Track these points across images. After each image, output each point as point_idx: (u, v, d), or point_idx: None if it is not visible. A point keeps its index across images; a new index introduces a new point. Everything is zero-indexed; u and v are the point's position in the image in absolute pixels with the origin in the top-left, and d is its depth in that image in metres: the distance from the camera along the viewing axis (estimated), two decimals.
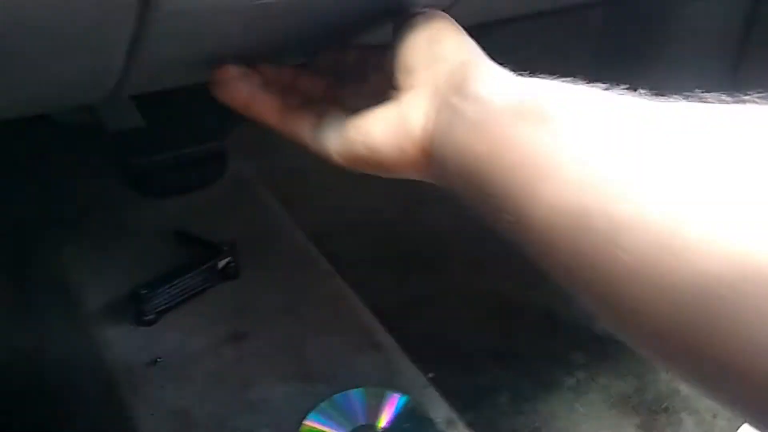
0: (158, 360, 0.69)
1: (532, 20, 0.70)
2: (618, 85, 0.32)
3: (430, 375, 0.70)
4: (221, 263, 0.76)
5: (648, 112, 0.29)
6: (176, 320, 0.73)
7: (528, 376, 0.97)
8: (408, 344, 0.73)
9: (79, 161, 0.85)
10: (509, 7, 0.62)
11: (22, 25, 0.34)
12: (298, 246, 0.85)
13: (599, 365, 0.99)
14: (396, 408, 0.66)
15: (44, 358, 0.75)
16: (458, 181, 0.35)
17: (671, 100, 0.29)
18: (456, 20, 0.40)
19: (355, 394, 0.66)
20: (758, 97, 0.26)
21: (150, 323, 0.72)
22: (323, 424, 0.64)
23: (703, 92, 0.29)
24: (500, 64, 0.37)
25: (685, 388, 0.94)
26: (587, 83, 0.32)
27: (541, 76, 0.35)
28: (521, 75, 0.36)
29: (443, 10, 0.41)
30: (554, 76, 0.34)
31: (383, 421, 0.65)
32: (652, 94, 0.30)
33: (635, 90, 0.31)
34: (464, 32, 0.40)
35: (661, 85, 0.31)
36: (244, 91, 0.43)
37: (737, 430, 0.62)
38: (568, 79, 0.34)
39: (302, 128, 0.43)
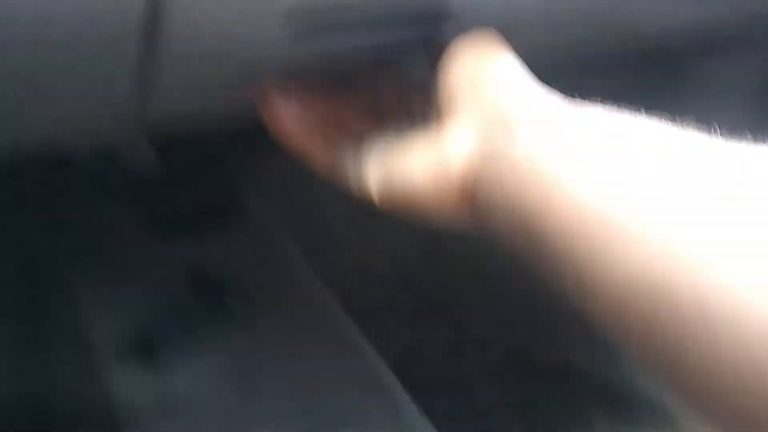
0: (165, 402, 0.68)
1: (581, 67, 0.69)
2: None
3: None
4: (232, 306, 0.75)
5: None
6: (184, 362, 0.72)
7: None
8: (419, 394, 0.71)
9: (97, 204, 0.86)
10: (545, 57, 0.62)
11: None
12: (310, 290, 0.84)
13: (620, 424, 0.96)
14: None
15: (50, 399, 0.74)
16: (506, 231, 0.33)
17: None
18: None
19: None
20: None
21: (158, 365, 0.70)
22: None
23: None
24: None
25: None
26: None
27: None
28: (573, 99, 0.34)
29: None
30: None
31: None
32: None
33: None
34: (513, 55, 0.37)
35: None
36: (286, 123, 0.41)
37: None
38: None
39: (342, 167, 0.41)
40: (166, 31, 0.34)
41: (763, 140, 0.27)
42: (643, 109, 0.32)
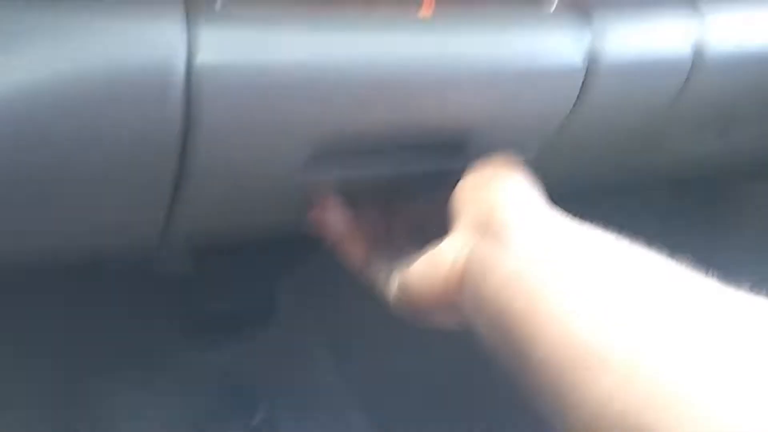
0: None
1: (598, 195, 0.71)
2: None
3: None
4: (256, 419, 0.75)
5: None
6: None
7: None
8: None
9: (132, 309, 0.87)
10: (576, 181, 0.63)
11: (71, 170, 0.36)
12: (340, 402, 0.83)
13: None
14: None
15: None
16: (490, 332, 0.33)
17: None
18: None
19: None
20: None
21: None
22: None
23: None
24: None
25: None
26: None
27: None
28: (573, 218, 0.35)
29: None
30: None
31: None
32: (722, 276, 0.29)
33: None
34: (523, 177, 0.39)
35: (731, 268, 0.30)
36: (336, 228, 0.46)
37: None
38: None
39: (374, 275, 0.44)
40: (198, 150, 0.36)
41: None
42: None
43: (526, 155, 0.47)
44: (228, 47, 0.34)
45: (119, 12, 0.32)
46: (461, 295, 0.36)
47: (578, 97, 0.44)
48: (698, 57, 0.46)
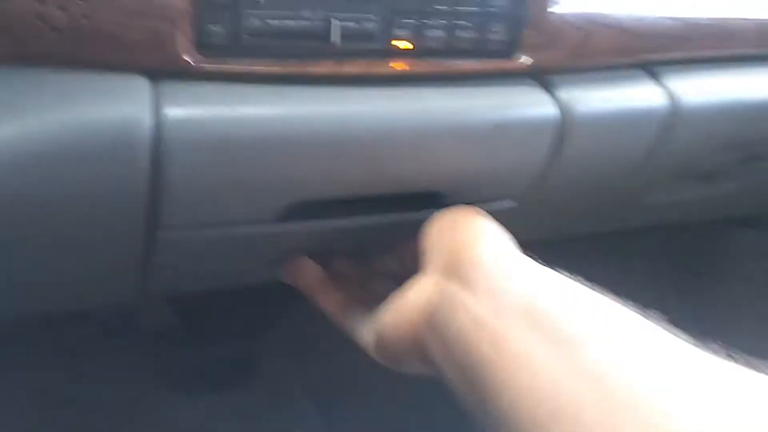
0: None
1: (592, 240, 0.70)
2: (672, 312, 0.30)
3: None
4: None
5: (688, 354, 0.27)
6: None
7: None
8: None
9: (111, 357, 0.86)
10: (568, 228, 0.63)
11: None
12: None
13: None
14: None
15: None
16: (457, 378, 0.33)
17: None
18: (515, 236, 0.40)
19: None
20: None
21: None
22: None
23: None
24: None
25: None
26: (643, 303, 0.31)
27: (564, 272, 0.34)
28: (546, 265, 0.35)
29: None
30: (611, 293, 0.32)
31: None
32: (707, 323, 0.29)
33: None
34: (492, 222, 0.39)
35: (725, 315, 0.30)
36: (309, 283, 0.46)
37: None
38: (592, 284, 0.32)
39: (352, 324, 0.43)
40: (168, 204, 0.36)
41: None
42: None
43: (503, 207, 0.47)
44: (195, 101, 0.34)
45: (84, 69, 0.32)
46: (429, 338, 0.35)
47: (554, 149, 0.44)
48: (674, 108, 0.46)
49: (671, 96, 0.46)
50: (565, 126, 0.42)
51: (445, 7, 0.38)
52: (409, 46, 0.38)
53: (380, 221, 0.45)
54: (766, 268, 1.04)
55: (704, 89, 0.48)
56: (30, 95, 0.32)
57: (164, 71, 0.34)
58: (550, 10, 0.40)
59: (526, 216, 0.48)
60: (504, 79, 0.41)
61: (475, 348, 0.31)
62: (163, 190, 0.35)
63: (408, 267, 0.46)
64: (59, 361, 0.82)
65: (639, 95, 0.45)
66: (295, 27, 0.35)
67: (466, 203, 0.45)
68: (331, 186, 0.39)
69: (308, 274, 0.47)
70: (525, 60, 0.41)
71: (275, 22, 0.35)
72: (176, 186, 0.35)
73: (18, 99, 0.32)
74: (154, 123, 0.33)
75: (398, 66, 0.38)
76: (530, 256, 0.36)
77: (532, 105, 0.41)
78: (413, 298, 0.37)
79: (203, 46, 0.34)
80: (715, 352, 0.27)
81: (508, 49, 0.40)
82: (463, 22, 0.38)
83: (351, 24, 0.36)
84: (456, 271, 0.35)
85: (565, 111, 0.42)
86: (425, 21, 0.38)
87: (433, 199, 0.44)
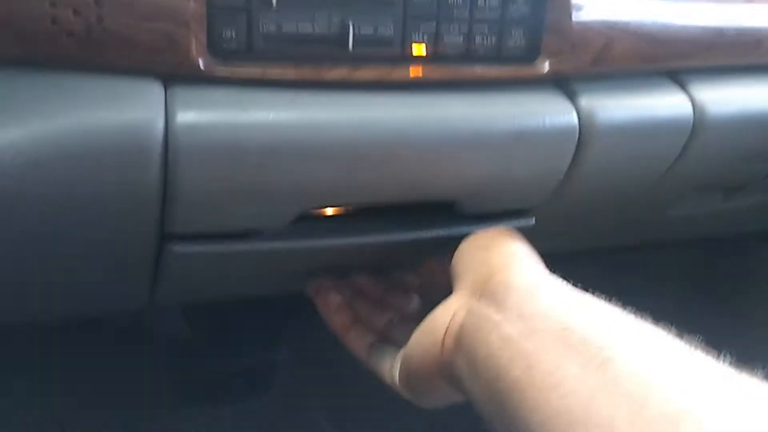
0: None
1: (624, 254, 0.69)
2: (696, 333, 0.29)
3: None
4: None
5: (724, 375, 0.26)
6: None
7: None
8: None
9: (126, 366, 0.86)
10: (589, 241, 0.62)
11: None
12: None
13: None
14: None
15: None
16: (484, 398, 0.32)
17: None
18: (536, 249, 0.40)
19: None
20: None
21: None
22: None
23: None
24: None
25: None
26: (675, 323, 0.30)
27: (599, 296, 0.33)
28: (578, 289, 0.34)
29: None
30: (643, 312, 0.32)
31: None
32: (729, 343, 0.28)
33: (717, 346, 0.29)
34: (524, 245, 0.39)
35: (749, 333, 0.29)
36: (339, 320, 0.46)
37: None
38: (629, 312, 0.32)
39: (381, 361, 0.43)
40: (179, 210, 0.36)
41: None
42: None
43: (522, 218, 0.46)
44: (208, 106, 0.33)
45: (97, 72, 0.32)
46: (457, 358, 0.34)
47: (573, 158, 0.43)
48: (699, 117, 0.45)
49: (696, 105, 0.45)
50: (586, 134, 0.41)
51: (464, 12, 0.37)
52: (427, 51, 0.37)
53: (399, 239, 0.44)
54: None
55: (731, 98, 0.47)
56: (41, 98, 0.32)
57: (177, 75, 0.33)
58: (572, 15, 0.39)
59: (547, 228, 0.47)
60: (524, 86, 0.40)
61: (504, 367, 0.30)
62: (174, 194, 0.34)
63: (431, 285, 0.46)
64: (74, 368, 0.82)
65: (663, 103, 0.44)
66: (310, 32, 0.35)
67: (484, 214, 0.44)
68: (344, 194, 0.38)
69: (340, 310, 0.47)
70: (545, 66, 0.40)
71: (290, 27, 0.34)
72: (188, 190, 0.34)
73: (29, 102, 0.31)
74: (166, 127, 0.32)
75: (415, 72, 0.37)
76: (555, 273, 0.36)
77: (553, 113, 0.40)
78: (441, 319, 0.36)
79: (216, 50, 0.34)
80: (750, 374, 0.26)
81: (528, 55, 0.39)
82: (482, 28, 0.37)
83: (368, 29, 0.35)
84: (486, 292, 0.34)
85: (586, 119, 0.41)
86: (444, 26, 0.37)
87: (452, 213, 0.43)
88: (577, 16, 0.39)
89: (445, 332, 0.35)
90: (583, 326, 0.30)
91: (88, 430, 0.81)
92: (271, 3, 0.33)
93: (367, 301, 0.48)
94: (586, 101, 0.41)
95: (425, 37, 0.37)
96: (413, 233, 0.44)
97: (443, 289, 0.41)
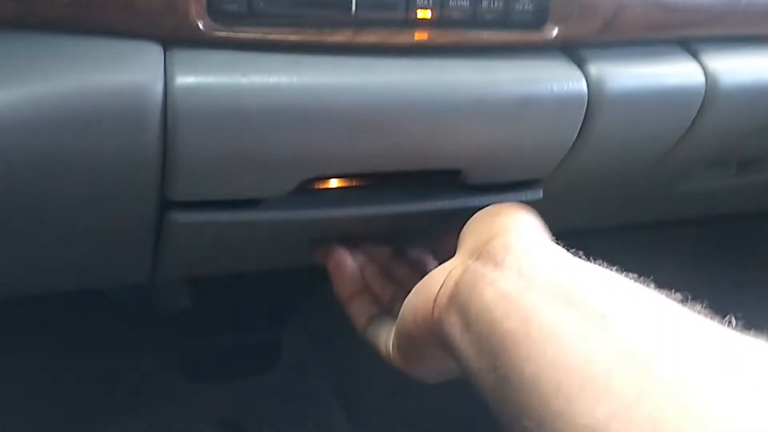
0: None
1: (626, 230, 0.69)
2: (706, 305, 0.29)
3: None
4: None
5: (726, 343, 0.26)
6: None
7: None
8: None
9: (128, 339, 0.86)
10: (598, 217, 0.61)
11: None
12: None
13: None
14: None
15: None
16: (475, 352, 0.31)
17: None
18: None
19: None
20: None
21: None
22: None
23: None
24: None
25: None
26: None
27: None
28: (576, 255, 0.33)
29: None
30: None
31: None
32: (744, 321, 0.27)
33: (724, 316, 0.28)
34: (531, 215, 0.38)
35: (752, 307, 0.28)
36: (347, 286, 0.47)
37: None
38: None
39: (379, 333, 0.44)
40: (179, 174, 0.35)
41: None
42: None
43: (529, 190, 0.46)
44: (208, 69, 0.33)
45: (95, 34, 0.31)
46: (449, 315, 0.33)
47: (582, 127, 0.42)
48: (711, 87, 0.44)
49: (709, 74, 0.44)
50: (595, 103, 0.40)
51: None
52: (432, 15, 0.36)
53: (404, 210, 0.43)
54: None
55: (744, 69, 0.46)
56: (40, 60, 0.31)
57: (176, 38, 0.33)
58: None
59: (554, 202, 0.46)
60: (531, 52, 0.39)
61: (498, 320, 0.29)
62: (173, 158, 0.34)
63: (439, 257, 0.45)
64: (80, 342, 0.82)
65: (674, 72, 0.43)
66: None
67: (490, 183, 0.43)
68: (346, 161, 0.38)
69: (350, 275, 0.47)
70: (553, 32, 0.39)
71: None
72: (187, 155, 0.34)
73: (28, 63, 0.31)
74: (165, 90, 0.32)
75: (420, 36, 0.36)
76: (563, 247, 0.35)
77: (561, 79, 0.39)
78: (436, 277, 0.36)
79: (216, 12, 0.33)
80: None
81: (536, 21, 0.38)
82: None
83: None
84: (485, 252, 0.34)
85: (595, 87, 0.40)
86: None
87: (458, 184, 0.43)
88: None
89: (439, 290, 0.34)
90: (585, 285, 0.29)
91: (95, 404, 0.82)
92: None
93: (377, 267, 0.48)
94: (595, 69, 0.40)
95: (430, 1, 0.36)
96: (419, 204, 0.43)
97: None
